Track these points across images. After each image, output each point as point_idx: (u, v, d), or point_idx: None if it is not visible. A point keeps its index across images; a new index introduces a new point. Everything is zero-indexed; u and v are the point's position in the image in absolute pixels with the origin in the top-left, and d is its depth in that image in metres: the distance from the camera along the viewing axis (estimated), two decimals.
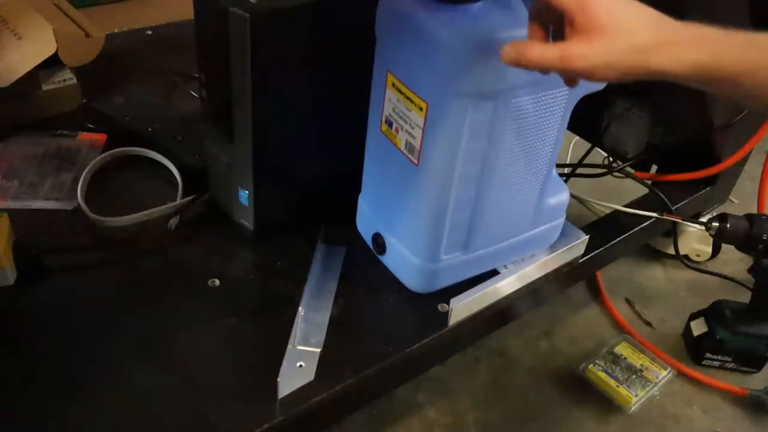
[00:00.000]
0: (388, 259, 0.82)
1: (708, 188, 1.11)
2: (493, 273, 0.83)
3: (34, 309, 0.75)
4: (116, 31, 1.28)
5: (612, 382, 0.98)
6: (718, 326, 1.01)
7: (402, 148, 0.72)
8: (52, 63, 0.98)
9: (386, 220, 0.80)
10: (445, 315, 0.78)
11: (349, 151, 0.82)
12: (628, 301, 1.15)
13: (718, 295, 1.11)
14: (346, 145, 0.82)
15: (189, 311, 0.76)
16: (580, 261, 0.91)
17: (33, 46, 0.95)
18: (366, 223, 0.85)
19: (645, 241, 1.18)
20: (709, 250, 1.19)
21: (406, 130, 0.70)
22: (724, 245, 1.15)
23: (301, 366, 0.70)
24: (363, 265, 0.84)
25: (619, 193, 1.22)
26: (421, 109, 0.67)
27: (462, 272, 0.81)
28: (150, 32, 1.30)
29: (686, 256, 1.18)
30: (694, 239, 1.17)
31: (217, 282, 0.79)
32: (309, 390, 0.68)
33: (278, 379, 0.67)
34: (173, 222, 0.85)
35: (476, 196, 0.73)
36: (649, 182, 1.09)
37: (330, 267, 0.83)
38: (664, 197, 1.02)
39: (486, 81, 0.63)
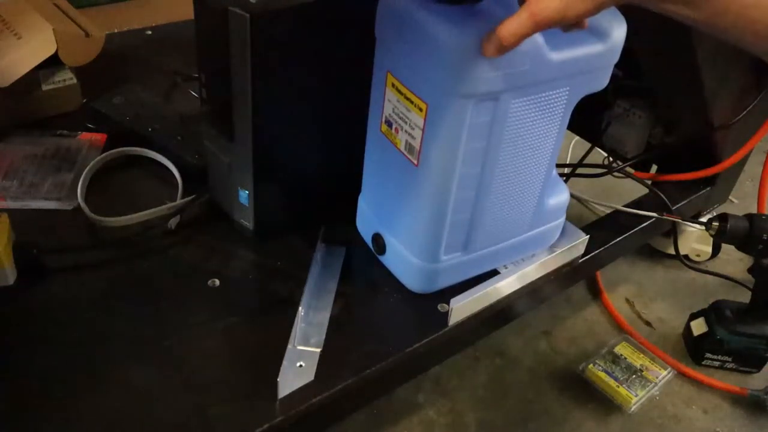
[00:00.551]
0: (388, 260, 0.82)
1: (708, 188, 1.11)
2: (493, 273, 0.83)
3: (34, 309, 0.75)
4: (116, 31, 1.28)
5: (612, 382, 0.98)
6: (718, 326, 1.02)
7: (402, 148, 0.72)
8: (52, 63, 0.97)
9: (386, 221, 0.80)
10: (445, 315, 0.78)
11: (349, 151, 0.82)
12: (628, 301, 1.15)
13: (718, 295, 1.12)
14: (346, 145, 0.82)
15: (189, 311, 0.76)
16: (580, 261, 0.91)
17: (33, 46, 0.95)
18: (366, 223, 0.85)
19: (645, 241, 1.18)
20: (709, 250, 1.19)
21: (406, 131, 0.70)
22: (724, 245, 1.16)
23: (301, 366, 0.70)
24: (363, 265, 0.84)
25: (619, 193, 1.22)
26: (420, 109, 0.67)
27: (462, 272, 0.81)
28: (150, 32, 1.30)
29: (686, 256, 1.18)
30: (694, 239, 1.17)
31: (217, 282, 0.79)
32: (309, 390, 0.68)
33: (278, 379, 0.67)
34: (173, 222, 0.85)
35: (476, 196, 0.73)
36: (649, 182, 1.09)
37: (330, 267, 0.83)
38: (664, 197, 1.02)
39: (486, 81, 0.63)
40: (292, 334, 0.73)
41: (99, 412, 0.65)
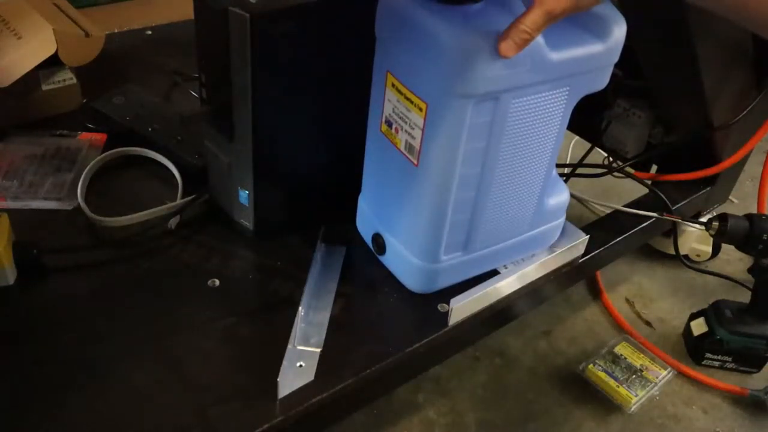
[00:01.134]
0: (388, 259, 0.82)
1: (708, 188, 1.11)
2: (493, 273, 0.83)
3: (34, 309, 0.75)
4: (116, 31, 1.28)
5: (612, 382, 0.98)
6: (718, 326, 1.01)
7: (402, 148, 0.72)
8: (52, 63, 0.98)
9: (386, 220, 0.80)
10: (445, 315, 0.78)
11: (349, 151, 0.82)
12: (628, 301, 1.15)
13: (718, 295, 1.12)
14: (346, 146, 0.82)
15: (189, 311, 0.76)
16: (580, 261, 0.91)
17: (33, 46, 0.95)
18: (366, 223, 0.85)
19: (645, 241, 1.18)
20: (709, 250, 1.19)
21: (406, 131, 0.70)
22: (724, 245, 1.16)
23: (301, 366, 0.70)
24: (363, 265, 0.84)
25: (619, 193, 1.22)
26: (420, 109, 0.67)
27: (462, 272, 0.81)
28: (150, 32, 1.30)
29: (686, 256, 1.18)
30: (694, 239, 1.17)
31: (217, 282, 0.79)
32: (309, 390, 0.68)
33: (278, 379, 0.67)
34: (173, 222, 0.85)
35: (476, 196, 0.73)
36: (649, 182, 1.09)
37: (330, 267, 0.83)
38: (664, 197, 1.02)
39: (486, 81, 0.63)
40: (292, 334, 0.73)
41: (99, 411, 0.65)
